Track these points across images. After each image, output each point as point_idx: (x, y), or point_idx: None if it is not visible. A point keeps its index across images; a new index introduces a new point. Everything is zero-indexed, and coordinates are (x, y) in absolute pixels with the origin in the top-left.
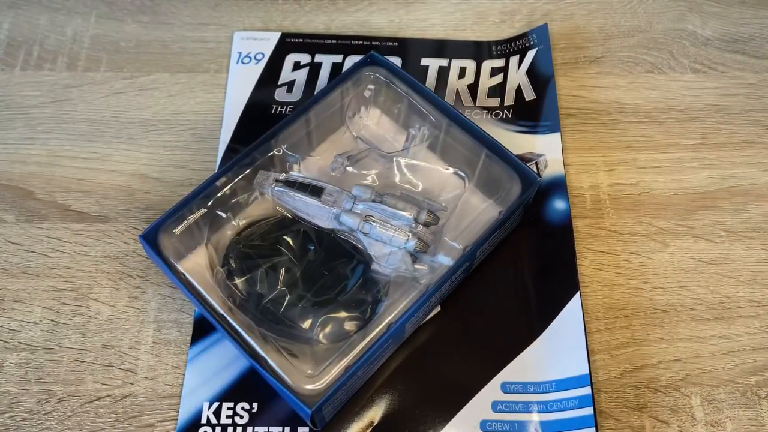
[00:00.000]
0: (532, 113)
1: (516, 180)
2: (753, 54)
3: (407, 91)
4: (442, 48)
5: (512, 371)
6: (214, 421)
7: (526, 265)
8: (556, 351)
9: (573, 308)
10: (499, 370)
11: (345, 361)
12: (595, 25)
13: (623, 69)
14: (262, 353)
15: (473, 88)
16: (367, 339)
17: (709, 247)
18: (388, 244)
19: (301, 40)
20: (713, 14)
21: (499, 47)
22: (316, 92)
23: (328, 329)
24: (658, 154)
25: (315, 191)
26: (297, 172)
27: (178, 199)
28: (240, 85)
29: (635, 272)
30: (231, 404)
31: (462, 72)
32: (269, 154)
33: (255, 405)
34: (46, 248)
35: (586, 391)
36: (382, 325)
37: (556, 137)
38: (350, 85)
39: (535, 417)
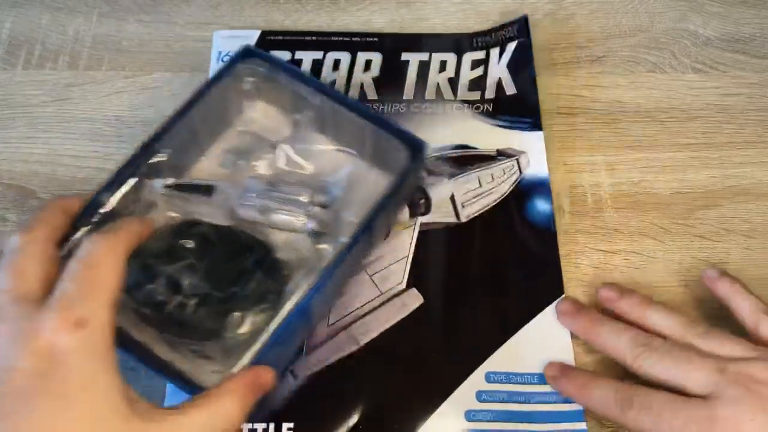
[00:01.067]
0: (513, 109)
1: (403, 148)
2: (754, 54)
3: (288, 79)
4: (420, 42)
5: (496, 361)
6: None
7: (509, 265)
8: (540, 346)
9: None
10: (484, 360)
11: (254, 350)
12: (597, 24)
13: (625, 68)
14: (167, 359)
15: (453, 82)
16: (274, 325)
17: (709, 246)
18: (286, 230)
19: (281, 37)
20: (714, 14)
21: (479, 39)
22: (192, 93)
23: (237, 323)
24: (659, 154)
25: (206, 190)
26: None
27: None
28: None
29: (636, 271)
30: None
31: (443, 65)
32: (154, 161)
33: None
34: None
35: None
36: (288, 310)
37: (538, 135)
38: (229, 81)
39: (518, 407)
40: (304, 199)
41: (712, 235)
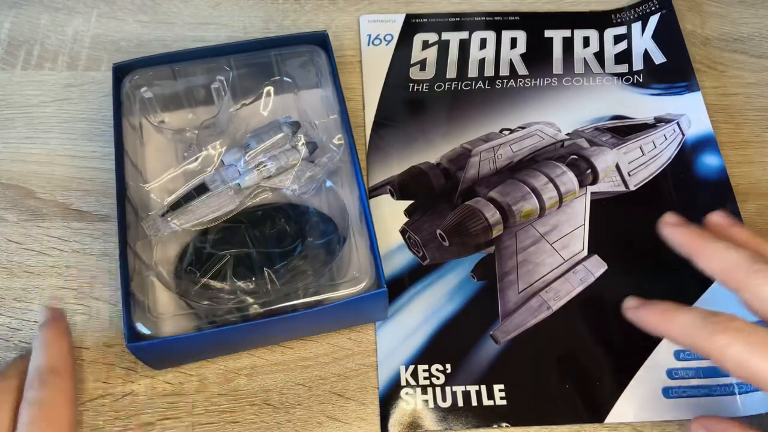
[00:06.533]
0: (665, 76)
1: (308, 48)
2: (752, 53)
3: (171, 66)
4: (560, 20)
5: None
6: (412, 382)
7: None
8: (733, 302)
9: None
10: None
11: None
12: None
13: None
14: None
15: (599, 56)
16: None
17: None
18: (289, 168)
19: (426, 20)
20: (712, 14)
21: (617, 16)
22: (115, 136)
23: (318, 259)
24: None
25: (200, 190)
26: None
27: None
28: None
29: None
30: (426, 366)
31: (586, 41)
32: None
33: (448, 366)
34: (46, 247)
35: None
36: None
37: (696, 96)
38: (129, 101)
39: None
40: (283, 136)
41: None
